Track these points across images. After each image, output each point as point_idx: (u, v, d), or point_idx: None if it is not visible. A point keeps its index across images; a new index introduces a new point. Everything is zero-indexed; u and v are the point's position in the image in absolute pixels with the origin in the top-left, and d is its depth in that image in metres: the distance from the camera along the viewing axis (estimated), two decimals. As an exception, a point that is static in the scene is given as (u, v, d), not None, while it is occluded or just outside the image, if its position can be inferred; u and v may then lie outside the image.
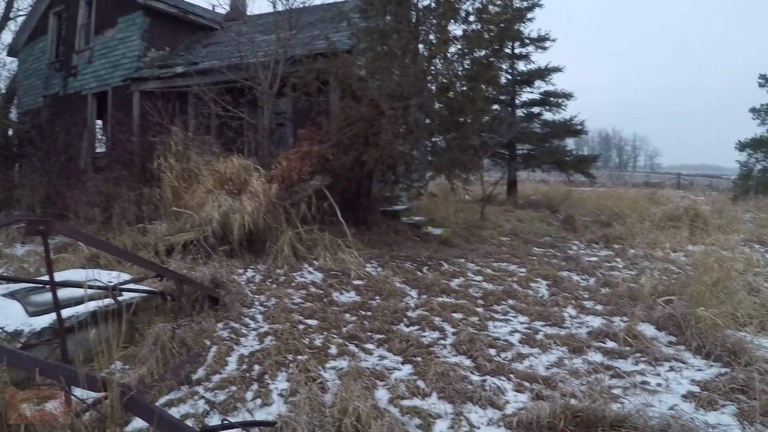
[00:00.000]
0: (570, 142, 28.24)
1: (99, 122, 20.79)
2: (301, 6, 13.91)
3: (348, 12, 13.36)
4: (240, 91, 13.63)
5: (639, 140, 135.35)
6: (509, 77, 23.91)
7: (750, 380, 4.99)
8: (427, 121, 12.79)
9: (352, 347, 6.00)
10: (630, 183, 38.21)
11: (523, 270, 10.09)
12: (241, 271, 8.73)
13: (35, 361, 3.57)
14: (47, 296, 5.55)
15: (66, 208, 13.10)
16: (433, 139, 14.40)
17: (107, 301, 5.61)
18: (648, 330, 6.74)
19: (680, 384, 5.24)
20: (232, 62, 14.25)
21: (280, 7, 13.90)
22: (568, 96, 24.06)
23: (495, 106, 22.72)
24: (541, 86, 24.44)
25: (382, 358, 5.80)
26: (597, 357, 5.93)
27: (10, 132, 21.76)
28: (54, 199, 14.19)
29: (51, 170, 15.42)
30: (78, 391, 3.60)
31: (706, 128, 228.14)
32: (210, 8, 21.65)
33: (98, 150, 19.69)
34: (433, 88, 12.41)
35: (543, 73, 23.99)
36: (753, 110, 29.78)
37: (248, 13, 18.89)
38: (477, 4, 12.46)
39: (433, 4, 12.47)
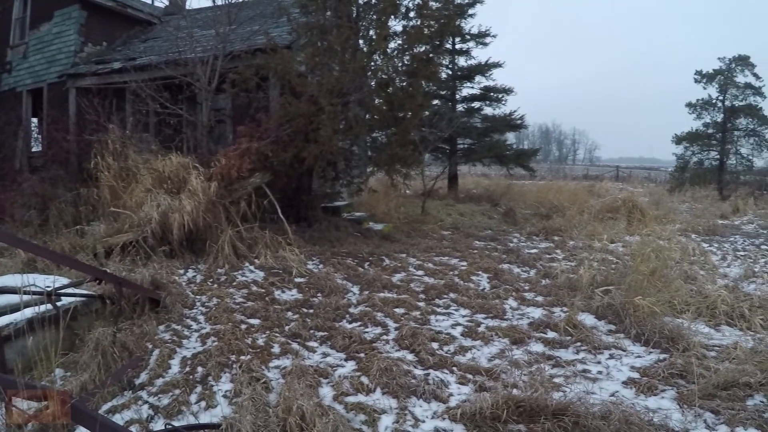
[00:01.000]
0: (510, 137, 28.62)
1: (35, 120, 20.25)
2: (241, 0, 13.74)
3: (288, 7, 13.28)
4: (179, 88, 13.41)
5: (578, 134, 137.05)
6: (450, 72, 24.08)
7: (688, 365, 5.19)
8: (367, 116, 12.83)
9: (295, 345, 6.00)
10: (570, 176, 38.77)
11: (465, 263, 10.21)
12: (181, 271, 8.62)
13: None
14: (-16, 303, 5.44)
15: (1, 211, 12.78)
16: (373, 135, 14.46)
17: (45, 306, 5.46)
18: (588, 319, 6.92)
19: (620, 371, 5.41)
20: (171, 58, 13.99)
21: (219, 2, 13.74)
22: (508, 91, 24.32)
23: (435, 102, 22.87)
24: (481, 81, 24.69)
25: (325, 355, 5.82)
26: (538, 347, 6.06)
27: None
28: (-13, 201, 13.83)
29: (-17, 171, 15.02)
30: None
31: (644, 122, 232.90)
32: (149, 2, 21.32)
33: (34, 149, 19.17)
34: (373, 83, 12.44)
35: (483, 68, 24.18)
36: (689, 105, 30.98)
37: (187, 7, 18.54)
38: (417, 0, 12.53)
39: (373, 0, 12.49)
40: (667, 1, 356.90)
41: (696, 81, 30.81)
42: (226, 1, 13.54)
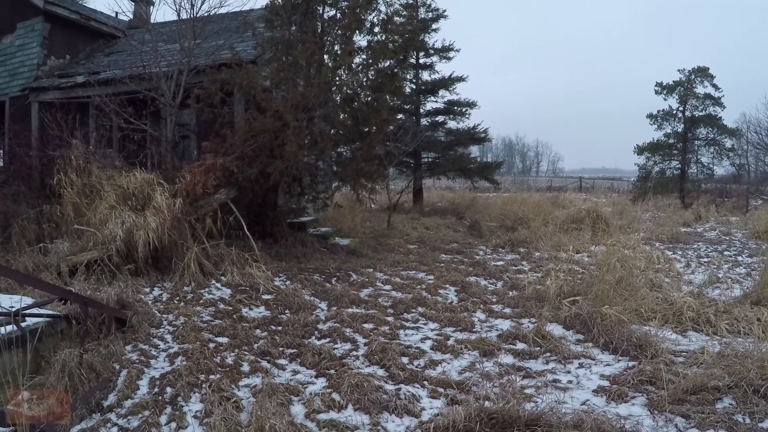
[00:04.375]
0: (474, 150, 28.82)
1: (-5, 134, 19.97)
2: (206, 15, 13.65)
3: (253, 22, 13.25)
4: (143, 102, 13.29)
5: (542, 146, 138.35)
6: (414, 87, 24.16)
7: (657, 371, 5.32)
8: (333, 131, 12.83)
9: (264, 363, 5.99)
10: (534, 188, 39.12)
11: (432, 277, 10.28)
12: (147, 289, 8.50)
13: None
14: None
15: (-40, 229, 12.55)
16: (339, 150, 14.46)
17: (9, 327, 5.38)
18: (556, 330, 7.03)
19: (590, 380, 5.51)
20: (135, 72, 13.86)
21: (184, 15, 13.65)
22: (471, 105, 24.52)
23: (400, 116, 22.92)
24: (445, 95, 24.90)
25: (295, 372, 5.82)
26: (508, 359, 6.14)
27: None
28: (-53, 219, 13.58)
29: (-57, 188, 14.73)
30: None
31: (606, 133, 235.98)
32: (113, 15, 21.15)
33: (-5, 165, 18.92)
34: (338, 98, 12.46)
35: (447, 82, 24.37)
36: (650, 116, 31.69)
37: (152, 20, 18.41)
38: (382, 16, 12.61)
39: (338, 15, 12.53)
40: (628, 17, 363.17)
41: (656, 92, 31.52)
42: (191, 15, 13.45)
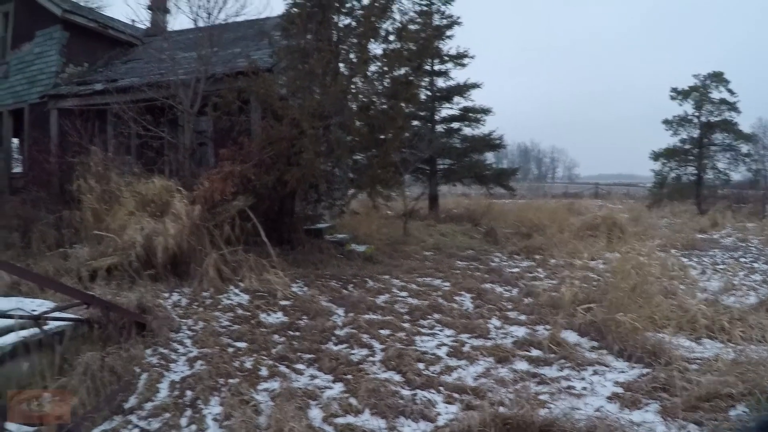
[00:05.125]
0: (490, 156, 28.70)
1: (15, 141, 20.20)
2: (223, 23, 13.79)
3: (269, 30, 13.41)
4: (161, 110, 13.42)
5: (557, 152, 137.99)
6: (429, 93, 24.14)
7: (671, 378, 5.33)
8: (349, 139, 12.91)
9: (282, 368, 6.05)
10: (549, 194, 39.16)
11: (448, 284, 10.32)
12: (166, 294, 8.57)
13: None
14: (-37, 328, 5.44)
15: (-19, 233, 12.71)
16: (355, 157, 14.52)
17: (32, 331, 5.47)
18: (571, 337, 7.05)
19: (604, 386, 5.53)
20: (153, 80, 14.04)
21: (201, 24, 13.79)
22: (486, 111, 24.51)
23: (415, 122, 22.94)
24: (460, 102, 24.86)
25: (313, 377, 5.87)
26: (523, 365, 6.17)
27: None
28: (-31, 223, 13.75)
29: (-36, 193, 14.93)
30: (13, 426, 3.57)
31: (622, 138, 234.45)
32: (129, 23, 21.37)
33: (15, 170, 19.14)
34: (353, 106, 12.53)
35: (462, 89, 24.40)
36: (666, 122, 31.50)
37: (169, 29, 18.57)
38: (397, 24, 12.67)
39: (353, 24, 12.62)
40: (643, 21, 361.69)
41: (672, 98, 31.40)
42: (208, 24, 13.58)
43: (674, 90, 31.51)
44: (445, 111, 25.24)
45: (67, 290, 6.20)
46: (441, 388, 5.52)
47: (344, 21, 12.94)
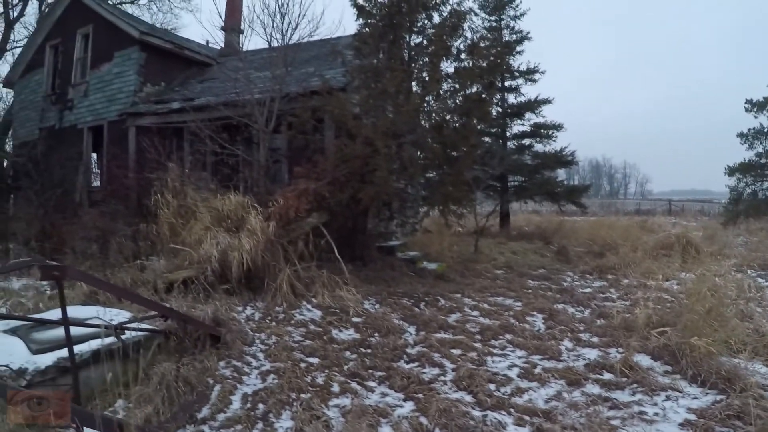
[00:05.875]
0: (561, 172, 28.39)
1: (94, 156, 20.86)
2: (297, 43, 14.02)
3: (342, 49, 13.57)
4: (236, 128, 13.70)
5: (629, 167, 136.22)
6: (499, 110, 24.02)
7: (745, 406, 5.17)
8: (421, 157, 12.95)
9: (354, 385, 6.09)
10: (621, 211, 38.49)
11: (519, 304, 10.24)
12: (240, 308, 8.72)
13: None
14: (49, 334, 5.63)
15: (62, 243, 13.08)
16: (427, 175, 14.55)
17: (109, 339, 5.64)
18: (644, 360, 6.90)
19: (677, 413, 5.41)
20: (228, 99, 14.33)
21: (274, 44, 14.03)
22: (558, 127, 24.19)
23: (486, 139, 22.88)
24: (531, 118, 24.60)
25: (384, 395, 5.90)
26: (595, 389, 6.08)
27: (5, 163, 21.81)
28: (50, 233, 14.15)
29: (47, 204, 15.38)
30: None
31: (696, 153, 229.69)
32: (203, 44, 21.89)
33: (93, 184, 19.75)
34: (426, 124, 12.58)
35: (533, 105, 24.18)
36: (741, 135, 30.06)
37: (243, 48, 18.99)
38: (468, 42, 12.71)
39: (425, 42, 12.70)
40: (715, 31, 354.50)
41: (746, 110, 30.07)
42: (283, 44, 13.81)
43: (749, 102, 30.06)
44: (516, 127, 25.09)
45: (147, 303, 6.38)
46: (512, 409, 5.49)
47: (416, 40, 13.07)
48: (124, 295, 6.68)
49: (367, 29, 12.68)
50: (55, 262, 5.43)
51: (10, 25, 29.87)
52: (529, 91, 27.93)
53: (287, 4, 13.85)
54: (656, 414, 5.39)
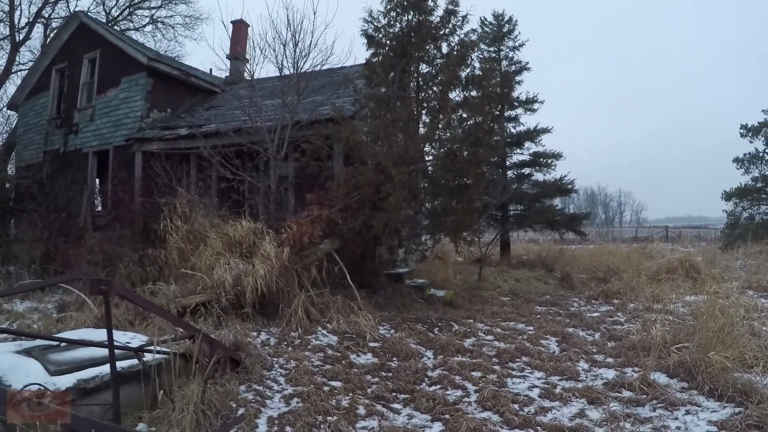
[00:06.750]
0: (557, 201, 28.47)
1: (98, 180, 20.92)
2: (309, 71, 14.13)
3: (352, 78, 13.70)
4: (246, 154, 13.81)
5: (624, 195, 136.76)
6: (498, 139, 24.15)
7: (764, 416, 5.34)
8: (427, 184, 13.05)
9: (379, 407, 6.14)
10: (619, 238, 38.62)
11: (531, 328, 10.34)
12: (254, 334, 8.75)
13: (91, 422, 3.63)
14: (66, 355, 5.63)
15: (66, 266, 13.12)
16: (434, 203, 14.65)
17: (130, 362, 5.68)
18: (660, 378, 7.00)
19: (698, 426, 5.53)
20: (238, 126, 14.47)
21: (285, 72, 14.16)
22: (557, 156, 24.36)
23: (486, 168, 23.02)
24: (530, 147, 24.87)
25: (410, 417, 5.95)
26: (616, 406, 6.15)
27: (7, 185, 21.80)
28: (54, 256, 14.20)
29: (51, 226, 15.41)
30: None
31: (690, 180, 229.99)
32: (207, 72, 22.08)
33: (98, 209, 19.78)
34: (436, 152, 12.70)
35: (532, 134, 24.43)
36: (736, 160, 30.40)
37: (251, 76, 19.18)
38: (476, 71, 12.87)
39: (433, 71, 12.86)
40: (709, 59, 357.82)
41: (741, 135, 30.33)
42: (296, 72, 13.94)
43: (743, 126, 30.37)
44: (516, 156, 25.30)
45: (179, 323, 6.48)
46: (538, 428, 5.57)
47: (425, 69, 13.21)
48: (163, 315, 6.71)
49: (376, 59, 12.85)
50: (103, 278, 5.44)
51: (15, 47, 30.12)
52: (528, 121, 28.14)
53: (298, 33, 14.03)
54: (678, 428, 5.50)
